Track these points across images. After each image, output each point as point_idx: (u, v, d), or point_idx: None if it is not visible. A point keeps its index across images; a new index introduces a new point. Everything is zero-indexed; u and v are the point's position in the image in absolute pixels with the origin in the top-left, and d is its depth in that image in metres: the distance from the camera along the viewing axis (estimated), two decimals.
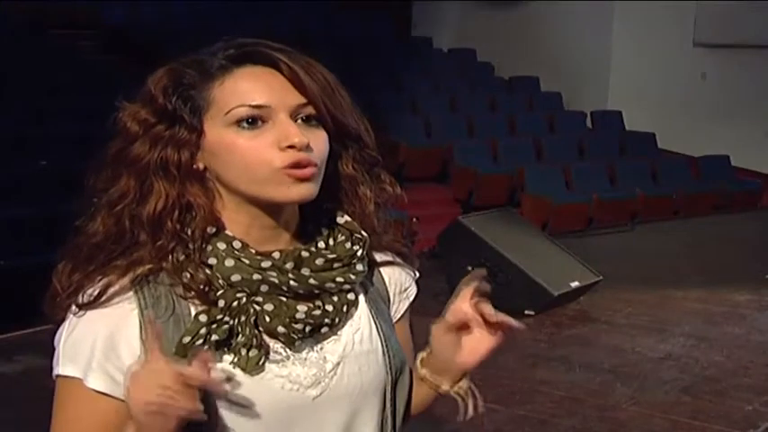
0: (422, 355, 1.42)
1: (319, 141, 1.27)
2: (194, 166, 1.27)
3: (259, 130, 1.25)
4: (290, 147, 1.23)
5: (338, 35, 12.15)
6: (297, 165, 1.24)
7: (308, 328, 1.28)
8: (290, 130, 1.24)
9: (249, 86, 1.25)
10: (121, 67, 9.83)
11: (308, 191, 1.26)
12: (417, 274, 1.48)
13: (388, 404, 1.37)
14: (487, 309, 1.32)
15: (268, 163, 1.23)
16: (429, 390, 1.42)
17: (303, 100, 1.26)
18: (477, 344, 1.36)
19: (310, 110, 1.27)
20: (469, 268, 5.43)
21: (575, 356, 4.85)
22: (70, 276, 1.27)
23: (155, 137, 1.26)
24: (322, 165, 1.27)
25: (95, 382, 1.23)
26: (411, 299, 1.47)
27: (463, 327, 1.35)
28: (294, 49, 1.30)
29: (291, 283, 1.27)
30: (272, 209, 1.28)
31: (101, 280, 1.26)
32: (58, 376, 1.27)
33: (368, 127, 1.36)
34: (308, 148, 1.24)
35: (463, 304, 1.35)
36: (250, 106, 1.24)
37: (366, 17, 13.35)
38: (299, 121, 1.26)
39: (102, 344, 1.24)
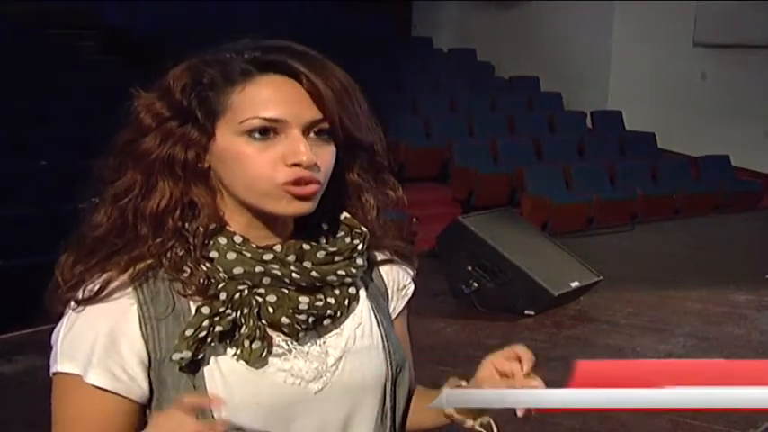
0: (446, 390, 1.40)
1: (327, 158, 1.27)
2: (199, 165, 1.27)
3: (270, 141, 1.24)
4: (297, 164, 1.23)
5: (338, 35, 12.14)
6: (299, 182, 1.24)
7: (311, 319, 1.28)
8: (300, 148, 1.23)
9: (267, 98, 1.24)
10: (121, 67, 9.83)
11: (304, 208, 1.26)
12: (415, 273, 1.49)
13: (387, 399, 1.38)
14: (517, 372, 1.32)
15: (270, 179, 1.23)
16: (438, 421, 1.43)
17: (319, 115, 1.25)
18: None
19: (324, 124, 1.26)
20: (469, 268, 5.42)
21: (575, 356, 4.82)
22: (72, 269, 1.27)
23: (166, 132, 1.26)
24: (325, 181, 1.27)
25: (96, 378, 1.23)
26: (409, 296, 1.48)
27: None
28: (316, 52, 1.29)
29: (294, 275, 1.27)
30: (270, 215, 1.29)
31: (101, 275, 1.26)
32: (55, 373, 1.26)
33: (381, 135, 1.36)
34: (314, 166, 1.24)
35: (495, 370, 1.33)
36: (264, 119, 1.24)
37: (366, 17, 13.35)
38: (312, 134, 1.26)
39: (102, 340, 1.24)
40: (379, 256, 1.43)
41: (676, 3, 12.31)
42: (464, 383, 1.38)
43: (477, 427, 1.40)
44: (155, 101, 1.27)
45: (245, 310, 1.25)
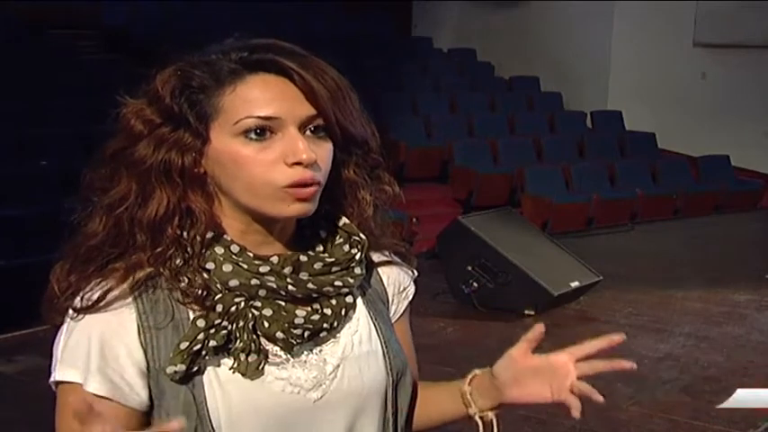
0: (475, 371, 1.43)
1: (325, 155, 1.26)
2: (196, 170, 1.25)
3: (267, 141, 1.23)
4: (297, 163, 1.22)
5: (338, 35, 12.13)
6: (300, 183, 1.22)
7: (306, 333, 1.27)
8: (299, 146, 1.22)
9: (260, 97, 1.23)
10: (121, 67, 9.82)
11: (305, 209, 1.25)
12: (416, 274, 1.47)
13: (389, 406, 1.36)
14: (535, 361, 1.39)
15: (272, 182, 1.22)
16: (455, 408, 1.44)
17: (314, 111, 1.24)
18: (535, 388, 1.40)
19: (320, 121, 1.25)
20: (469, 268, 5.42)
21: None
22: (68, 277, 1.26)
23: (159, 138, 1.24)
24: (324, 180, 1.26)
25: (95, 385, 1.23)
26: (410, 298, 1.46)
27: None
28: (303, 50, 1.28)
29: (290, 287, 1.26)
30: (268, 219, 1.27)
31: (99, 282, 1.24)
32: (57, 383, 1.25)
33: (374, 131, 1.34)
34: (314, 164, 1.23)
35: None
36: (259, 118, 1.22)
37: (366, 17, 13.35)
38: (308, 132, 1.24)
39: (100, 348, 1.23)
40: (378, 258, 1.42)
41: (676, 3, 12.30)
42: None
43: (477, 418, 1.41)
44: (144, 107, 1.25)
45: (241, 324, 1.24)
